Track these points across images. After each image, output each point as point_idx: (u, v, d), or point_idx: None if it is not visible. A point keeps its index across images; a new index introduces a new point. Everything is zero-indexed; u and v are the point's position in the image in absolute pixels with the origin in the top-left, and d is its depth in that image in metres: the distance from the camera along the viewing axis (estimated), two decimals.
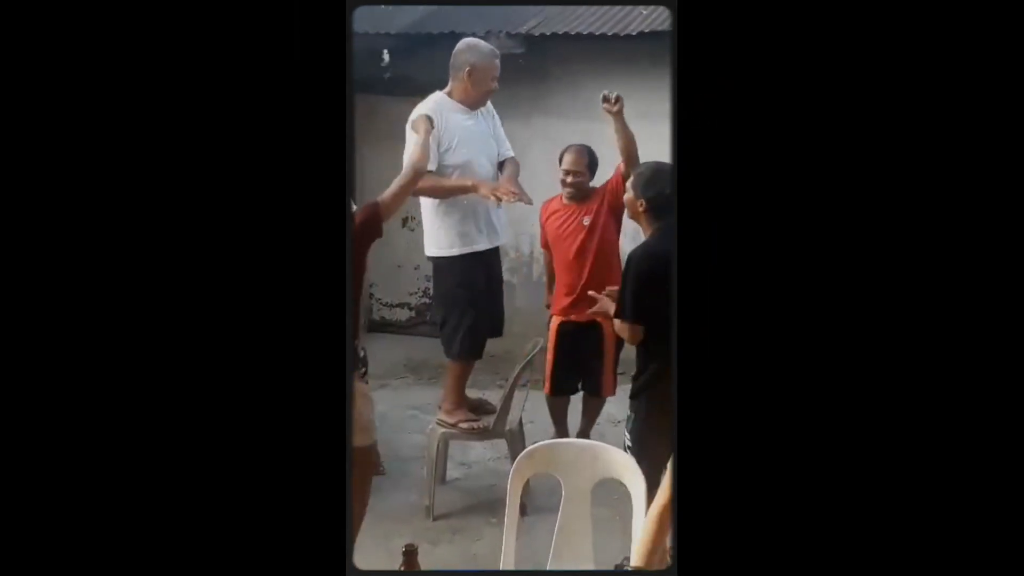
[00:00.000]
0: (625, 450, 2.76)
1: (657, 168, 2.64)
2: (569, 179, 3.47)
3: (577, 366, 3.59)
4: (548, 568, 2.26)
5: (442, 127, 3.08)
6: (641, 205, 2.64)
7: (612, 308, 2.75)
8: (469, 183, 3.14)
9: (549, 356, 3.58)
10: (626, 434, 2.78)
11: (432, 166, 3.02)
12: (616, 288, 2.82)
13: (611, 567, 1.91)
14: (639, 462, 2.64)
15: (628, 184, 2.74)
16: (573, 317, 3.52)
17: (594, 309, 2.96)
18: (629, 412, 2.78)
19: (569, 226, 3.50)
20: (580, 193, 3.49)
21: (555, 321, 3.59)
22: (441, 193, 3.16)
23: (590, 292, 3.02)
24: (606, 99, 3.06)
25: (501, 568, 2.25)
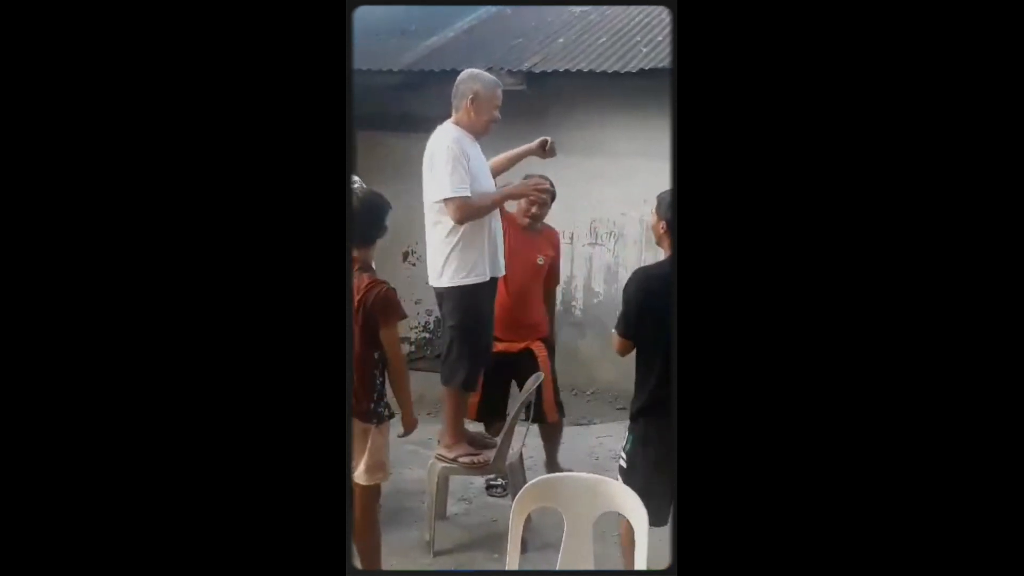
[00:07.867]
0: (619, 472, 2.78)
1: None
2: (534, 209, 3.62)
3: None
4: None
5: (467, 156, 3.14)
6: (662, 227, 2.76)
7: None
8: (510, 191, 3.39)
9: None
10: (622, 455, 2.79)
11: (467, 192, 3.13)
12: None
13: None
14: (631, 486, 2.66)
15: (652, 209, 2.84)
16: (503, 347, 3.61)
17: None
18: (628, 433, 2.79)
19: (528, 255, 3.61)
20: (536, 225, 3.66)
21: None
22: (487, 211, 3.25)
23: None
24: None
25: None
